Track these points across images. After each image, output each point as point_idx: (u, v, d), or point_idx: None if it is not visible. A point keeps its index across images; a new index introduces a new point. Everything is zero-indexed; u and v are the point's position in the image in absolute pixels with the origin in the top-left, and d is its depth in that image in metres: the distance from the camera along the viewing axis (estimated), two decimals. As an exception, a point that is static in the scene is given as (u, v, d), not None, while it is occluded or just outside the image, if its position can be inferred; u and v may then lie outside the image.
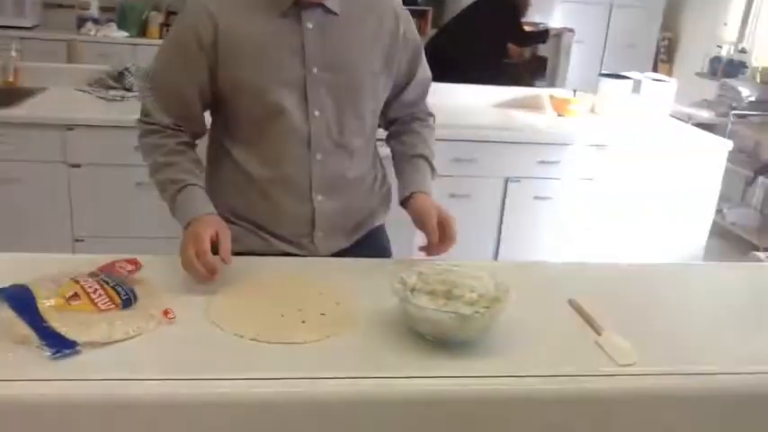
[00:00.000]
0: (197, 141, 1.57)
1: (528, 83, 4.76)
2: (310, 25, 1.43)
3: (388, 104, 1.63)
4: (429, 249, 1.49)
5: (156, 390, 1.03)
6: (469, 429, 1.11)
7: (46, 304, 1.19)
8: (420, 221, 1.51)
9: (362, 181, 1.60)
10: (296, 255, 1.55)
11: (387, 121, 1.68)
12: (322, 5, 1.43)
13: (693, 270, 1.89)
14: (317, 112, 1.47)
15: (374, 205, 1.66)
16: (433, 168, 1.62)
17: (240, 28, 1.41)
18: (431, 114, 1.70)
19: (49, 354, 1.07)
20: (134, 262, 1.35)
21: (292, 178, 1.50)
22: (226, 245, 1.36)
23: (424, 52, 1.64)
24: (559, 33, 4.62)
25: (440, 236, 1.48)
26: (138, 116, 1.54)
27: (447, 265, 1.36)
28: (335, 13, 1.45)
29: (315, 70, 1.44)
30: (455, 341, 1.19)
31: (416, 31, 1.60)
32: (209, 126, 1.58)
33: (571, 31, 4.89)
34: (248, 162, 1.51)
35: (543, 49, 4.80)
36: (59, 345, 1.09)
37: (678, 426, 1.18)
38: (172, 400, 1.03)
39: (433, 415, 1.10)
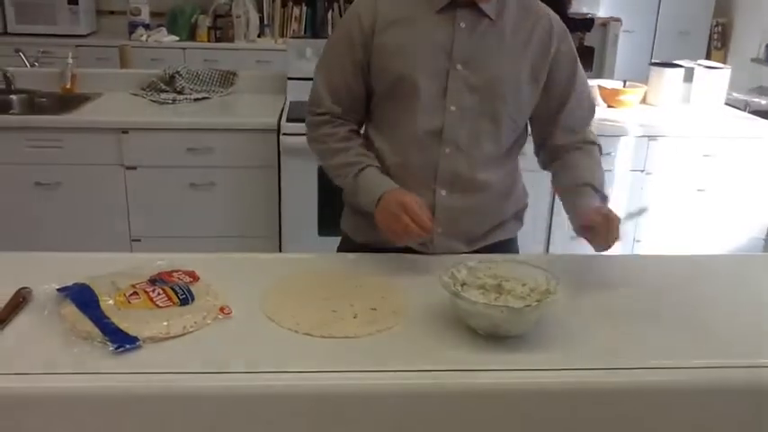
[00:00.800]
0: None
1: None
2: (463, 25, 1.48)
3: (547, 128, 1.60)
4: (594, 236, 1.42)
5: (214, 383, 1.06)
6: (524, 422, 1.11)
7: (107, 302, 1.24)
8: (583, 215, 1.45)
9: (492, 187, 1.57)
10: (415, 252, 1.54)
11: (549, 152, 1.63)
12: (478, 8, 1.47)
13: (755, 261, 1.84)
14: (453, 107, 1.49)
15: (505, 217, 1.64)
16: (603, 198, 1.53)
17: (398, 18, 1.49)
18: (595, 143, 1.62)
19: (113, 348, 1.11)
20: (193, 275, 1.38)
21: (419, 167, 1.52)
22: (425, 211, 1.42)
23: (584, 75, 1.60)
24: (606, 23, 4.51)
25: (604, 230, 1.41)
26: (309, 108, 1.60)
27: (497, 258, 1.35)
28: (490, 18, 1.49)
29: (459, 67, 1.48)
30: (508, 335, 1.19)
31: (574, 51, 1.58)
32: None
33: (618, 20, 4.78)
34: (382, 148, 1.56)
35: (590, 40, 4.70)
36: (122, 340, 1.13)
37: (734, 418, 1.16)
38: (229, 393, 1.06)
39: (488, 408, 1.10)
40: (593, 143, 1.61)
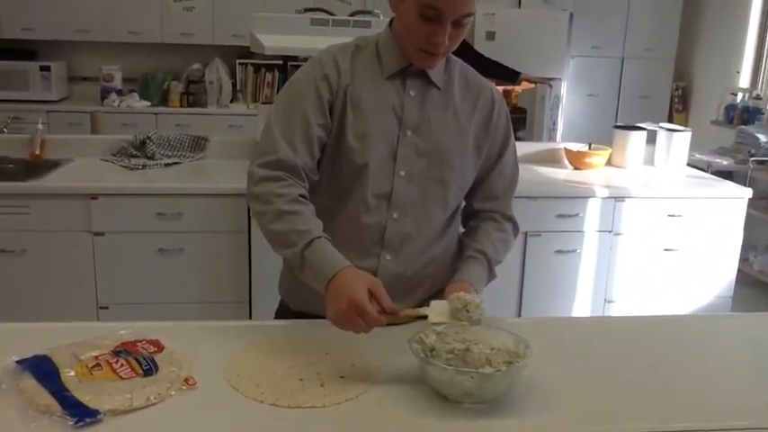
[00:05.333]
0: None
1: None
2: (412, 93, 1.51)
3: (471, 193, 1.63)
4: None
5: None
6: None
7: (68, 374, 1.21)
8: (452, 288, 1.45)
9: (437, 253, 1.58)
10: None
11: (466, 215, 1.66)
12: (426, 76, 1.51)
13: (721, 321, 1.86)
14: (402, 172, 1.51)
15: (445, 284, 1.58)
16: (491, 269, 1.57)
17: (355, 82, 1.49)
18: (510, 220, 1.64)
19: (72, 423, 1.08)
20: (157, 344, 1.35)
21: (366, 230, 1.51)
22: (386, 298, 1.31)
23: (514, 142, 1.63)
24: (535, 82, 4.62)
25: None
26: (257, 161, 1.47)
27: (466, 323, 1.34)
28: (437, 87, 1.52)
29: (408, 133, 1.50)
30: (480, 401, 1.18)
31: (509, 122, 1.62)
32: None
33: (546, 83, 4.89)
34: (329, 208, 1.51)
35: (522, 101, 4.83)
36: (82, 413, 1.10)
37: None
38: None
39: None
40: (509, 219, 1.64)
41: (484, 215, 1.63)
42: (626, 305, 3.34)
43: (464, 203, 1.66)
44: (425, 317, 1.34)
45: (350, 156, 1.49)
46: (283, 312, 1.65)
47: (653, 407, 1.23)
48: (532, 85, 4.66)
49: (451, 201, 1.57)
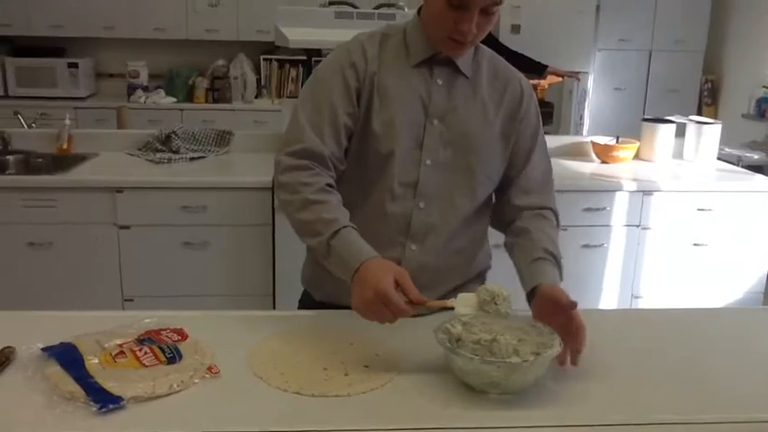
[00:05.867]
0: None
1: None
2: (440, 81, 1.49)
3: (507, 188, 1.57)
4: (564, 354, 1.27)
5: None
6: None
7: (92, 361, 1.21)
8: (550, 304, 1.33)
9: (462, 245, 1.55)
10: None
11: (504, 214, 1.58)
12: (454, 65, 1.49)
13: (755, 314, 1.81)
14: (428, 161, 1.49)
15: (469, 277, 1.59)
16: (560, 269, 1.46)
17: (382, 70, 1.48)
18: (555, 212, 1.57)
19: (96, 408, 1.08)
20: (180, 332, 1.35)
21: (392, 219, 1.50)
22: (412, 288, 1.28)
23: (545, 140, 1.58)
24: (562, 75, 4.55)
25: (565, 329, 1.28)
26: (284, 150, 1.45)
27: (492, 313, 1.32)
28: (465, 75, 1.51)
29: (435, 122, 1.49)
30: (506, 392, 1.16)
31: (539, 114, 1.58)
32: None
33: (574, 77, 4.82)
34: (355, 197, 1.49)
35: (549, 95, 4.77)
36: (105, 400, 1.10)
37: None
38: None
39: None
40: (552, 210, 1.57)
41: (530, 213, 1.54)
42: (654, 301, 3.29)
43: (501, 202, 1.59)
44: (452, 308, 1.32)
45: (376, 144, 1.47)
46: (306, 303, 1.64)
47: (684, 398, 1.20)
48: (559, 79, 4.60)
49: (479, 191, 1.54)
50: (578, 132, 5.34)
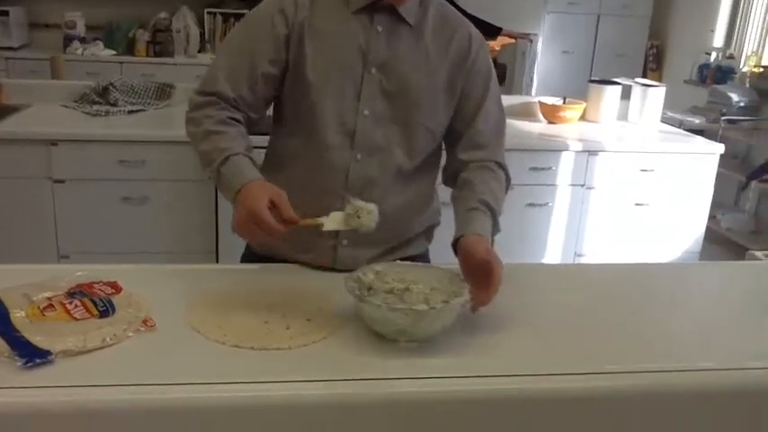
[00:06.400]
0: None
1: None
2: (380, 28, 1.44)
3: (453, 143, 1.54)
4: (473, 298, 1.24)
5: (130, 396, 0.99)
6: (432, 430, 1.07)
7: (17, 314, 1.15)
8: (467, 256, 1.31)
9: (403, 200, 1.51)
10: (316, 267, 1.48)
11: (453, 169, 1.54)
12: (396, 12, 1.43)
13: (690, 269, 1.85)
14: (366, 111, 1.44)
15: (413, 233, 1.57)
16: (495, 220, 1.42)
17: (315, 17, 1.43)
18: (503, 168, 1.53)
19: (21, 363, 1.03)
20: (114, 286, 1.29)
21: (329, 171, 1.46)
22: (287, 207, 1.29)
23: (497, 84, 1.54)
24: (515, 37, 4.55)
25: (481, 281, 1.26)
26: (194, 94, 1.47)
27: (407, 263, 1.32)
28: (409, 24, 1.45)
29: (373, 71, 1.43)
30: (412, 339, 1.15)
31: (491, 66, 1.53)
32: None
33: (526, 38, 4.82)
34: (292, 151, 1.49)
35: (502, 56, 4.77)
36: (32, 354, 1.04)
37: (665, 424, 1.13)
38: (146, 407, 0.99)
39: (400, 417, 1.06)
40: (502, 167, 1.53)
41: (476, 165, 1.51)
42: (596, 259, 3.35)
43: (450, 157, 1.56)
44: (321, 225, 1.32)
45: (310, 92, 1.43)
46: (248, 257, 1.60)
47: (605, 350, 1.20)
48: (512, 41, 4.58)
49: (419, 144, 1.50)
50: (529, 94, 5.37)
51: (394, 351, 1.14)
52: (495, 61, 4.62)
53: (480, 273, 1.26)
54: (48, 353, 1.05)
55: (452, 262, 1.34)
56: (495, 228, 1.43)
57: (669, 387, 1.12)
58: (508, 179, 1.54)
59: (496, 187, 1.48)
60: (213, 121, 1.43)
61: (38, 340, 1.08)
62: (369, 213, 1.30)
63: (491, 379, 1.09)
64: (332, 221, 1.32)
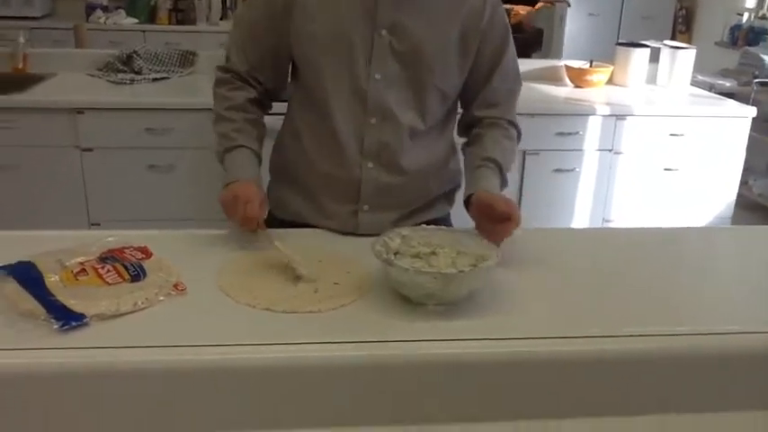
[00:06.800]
0: (270, 105, 1.60)
1: (526, 55, 4.68)
2: None
3: (469, 101, 1.55)
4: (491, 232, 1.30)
5: (163, 357, 1.00)
6: (456, 392, 1.07)
7: (52, 279, 1.17)
8: (486, 209, 1.33)
9: (420, 163, 1.51)
10: (337, 230, 1.50)
11: (466, 123, 1.58)
12: None
13: (720, 233, 1.83)
14: (378, 75, 1.43)
15: (433, 196, 1.57)
16: (503, 176, 1.47)
17: None
18: (515, 125, 1.55)
19: (57, 326, 1.04)
20: (145, 251, 1.31)
21: (345, 138, 1.46)
22: (259, 212, 1.38)
23: (513, 43, 1.53)
24: (552, 2, 4.48)
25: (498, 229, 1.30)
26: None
27: (433, 227, 1.31)
28: None
29: (383, 32, 1.41)
30: (440, 302, 1.15)
31: (506, 24, 1.51)
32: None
33: (565, 1, 4.74)
34: (308, 119, 1.51)
35: (538, 21, 4.70)
36: (67, 317, 1.06)
37: (691, 387, 1.12)
38: (179, 368, 1.00)
39: (429, 377, 1.06)
40: (514, 125, 1.55)
41: (488, 122, 1.54)
42: (624, 225, 3.32)
43: (465, 112, 1.58)
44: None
45: (319, 59, 1.43)
46: (270, 223, 1.61)
47: (631, 314, 1.19)
48: (550, 4, 4.51)
49: (433, 107, 1.48)
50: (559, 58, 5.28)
51: (421, 314, 1.14)
52: (531, 25, 4.56)
53: (498, 223, 1.30)
54: (82, 316, 1.07)
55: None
56: (503, 183, 1.48)
57: (695, 350, 1.11)
58: (519, 135, 1.57)
59: (507, 144, 1.52)
60: (227, 105, 1.50)
61: (72, 304, 1.10)
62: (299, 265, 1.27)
63: (518, 341, 1.09)
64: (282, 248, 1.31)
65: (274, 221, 1.58)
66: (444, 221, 1.61)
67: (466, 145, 1.58)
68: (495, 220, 1.31)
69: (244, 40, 1.51)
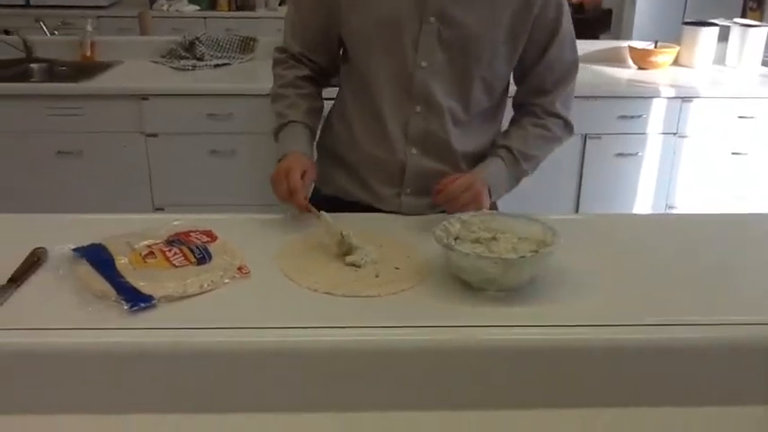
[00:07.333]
0: (324, 83, 1.61)
1: (593, 36, 4.56)
2: None
3: (520, 83, 1.55)
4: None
5: (229, 339, 1.03)
6: (515, 378, 1.07)
7: (121, 261, 1.21)
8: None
9: (464, 150, 1.51)
10: (381, 210, 1.52)
11: (515, 101, 1.59)
12: None
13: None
14: (424, 63, 1.42)
15: None
16: (517, 163, 1.49)
17: None
18: (557, 116, 1.52)
19: (127, 307, 1.08)
20: (209, 234, 1.34)
21: (390, 124, 1.47)
22: (306, 181, 1.41)
23: (569, 32, 1.49)
24: None
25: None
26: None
27: (493, 212, 1.30)
28: None
29: (432, 20, 1.40)
30: (501, 288, 1.14)
31: (561, 10, 1.46)
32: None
33: None
34: (353, 103, 1.53)
35: (608, 2, 4.58)
36: (136, 299, 1.10)
37: (738, 376, 1.09)
38: (244, 348, 1.02)
39: (489, 363, 1.06)
40: (555, 115, 1.52)
41: (526, 110, 1.54)
42: (689, 211, 3.22)
43: (516, 91, 1.57)
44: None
45: (366, 45, 1.44)
46: (315, 198, 1.62)
47: (694, 302, 1.16)
48: None
49: (475, 97, 1.47)
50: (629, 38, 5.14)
51: (482, 300, 1.14)
52: (597, 5, 4.43)
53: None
54: (151, 297, 1.10)
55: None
56: (519, 169, 1.50)
57: (761, 341, 1.08)
58: (567, 126, 1.55)
59: (536, 133, 1.52)
60: (281, 83, 1.54)
61: (141, 285, 1.13)
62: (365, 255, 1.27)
63: (579, 328, 1.07)
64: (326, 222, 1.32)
65: (319, 198, 1.60)
66: (491, 206, 1.60)
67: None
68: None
69: (295, 22, 1.54)
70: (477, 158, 1.54)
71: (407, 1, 1.39)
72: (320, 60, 1.56)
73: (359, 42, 1.46)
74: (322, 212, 1.34)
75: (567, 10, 1.48)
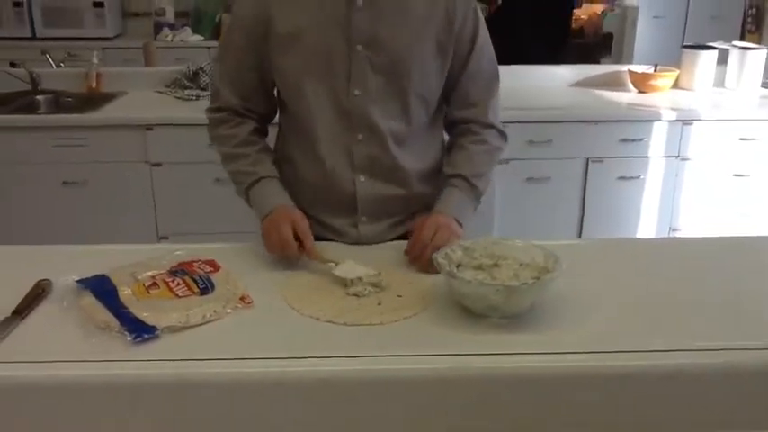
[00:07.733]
0: (268, 130, 1.59)
1: (594, 60, 4.59)
2: (360, 2, 1.39)
3: (447, 101, 1.56)
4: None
5: (232, 369, 1.03)
6: (519, 406, 1.07)
7: (125, 292, 1.22)
8: (415, 228, 1.41)
9: (411, 169, 1.52)
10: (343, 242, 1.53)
11: (447, 123, 1.59)
12: None
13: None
14: (357, 91, 1.43)
15: (429, 200, 1.54)
16: (473, 188, 1.50)
17: (286, 4, 1.41)
18: (491, 126, 1.54)
19: (131, 338, 1.09)
20: (212, 264, 1.35)
21: (335, 156, 1.48)
22: (307, 238, 1.39)
23: (486, 44, 1.52)
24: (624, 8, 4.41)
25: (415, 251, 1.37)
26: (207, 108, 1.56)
27: (495, 238, 1.30)
28: None
29: (359, 48, 1.41)
30: (504, 315, 1.14)
31: (478, 22, 1.48)
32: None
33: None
34: (294, 142, 1.53)
35: (608, 26, 4.62)
36: (140, 329, 1.10)
37: (744, 402, 1.09)
38: (247, 380, 1.03)
39: (492, 391, 1.06)
40: (489, 126, 1.54)
41: (461, 129, 1.55)
42: (692, 234, 3.22)
43: (446, 111, 1.58)
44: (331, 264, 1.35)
45: (298, 80, 1.44)
46: None
47: (697, 327, 1.16)
48: (613, 10, 4.43)
49: (415, 114, 1.48)
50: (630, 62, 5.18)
51: (484, 327, 1.14)
52: (597, 30, 4.43)
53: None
54: (154, 328, 1.11)
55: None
56: (476, 193, 1.50)
57: (761, 366, 1.08)
58: (502, 135, 1.56)
59: (478, 151, 1.52)
60: (235, 143, 1.51)
61: (145, 316, 1.14)
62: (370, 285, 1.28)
63: (582, 355, 1.08)
64: (341, 271, 1.31)
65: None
66: None
67: (447, 148, 1.59)
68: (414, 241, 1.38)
69: (230, 73, 1.50)
70: (427, 174, 1.55)
71: (333, 34, 1.40)
72: (259, 108, 1.54)
73: (291, 80, 1.46)
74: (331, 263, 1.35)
75: (483, 24, 1.51)
